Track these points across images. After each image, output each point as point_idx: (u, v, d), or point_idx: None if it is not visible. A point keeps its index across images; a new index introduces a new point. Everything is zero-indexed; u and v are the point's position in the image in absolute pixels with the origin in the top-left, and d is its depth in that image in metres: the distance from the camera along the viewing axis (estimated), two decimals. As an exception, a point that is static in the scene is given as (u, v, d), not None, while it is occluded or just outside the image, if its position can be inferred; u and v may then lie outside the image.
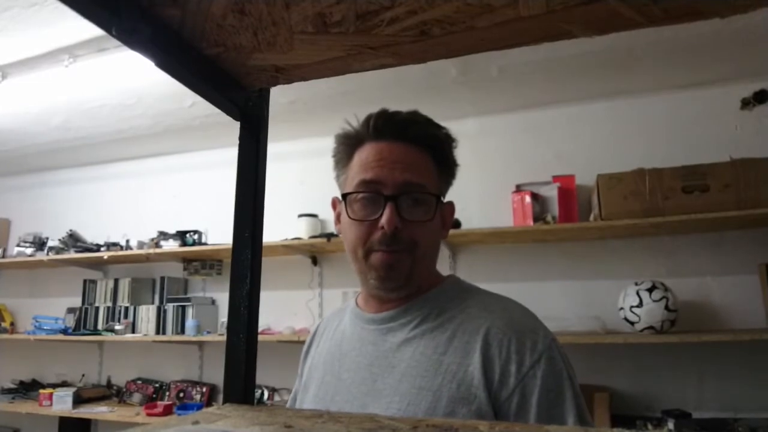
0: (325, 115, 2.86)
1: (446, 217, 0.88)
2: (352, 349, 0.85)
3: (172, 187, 3.53)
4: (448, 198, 0.88)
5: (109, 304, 3.35)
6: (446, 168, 0.85)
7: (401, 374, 0.76)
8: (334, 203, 0.91)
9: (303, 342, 0.98)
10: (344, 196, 0.82)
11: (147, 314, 3.20)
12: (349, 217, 0.81)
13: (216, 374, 3.16)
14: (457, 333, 0.77)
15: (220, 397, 3.12)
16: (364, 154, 0.82)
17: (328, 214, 3.03)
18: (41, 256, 3.42)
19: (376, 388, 0.77)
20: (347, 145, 0.85)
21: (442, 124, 0.85)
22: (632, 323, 2.24)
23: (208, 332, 3.04)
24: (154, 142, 3.34)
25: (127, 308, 3.28)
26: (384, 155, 0.80)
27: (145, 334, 3.14)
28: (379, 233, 0.78)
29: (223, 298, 3.24)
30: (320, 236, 2.81)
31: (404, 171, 0.79)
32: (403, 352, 0.78)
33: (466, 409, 0.70)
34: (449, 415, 0.70)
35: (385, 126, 0.81)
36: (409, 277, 0.81)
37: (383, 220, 0.77)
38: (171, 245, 3.13)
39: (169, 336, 3.08)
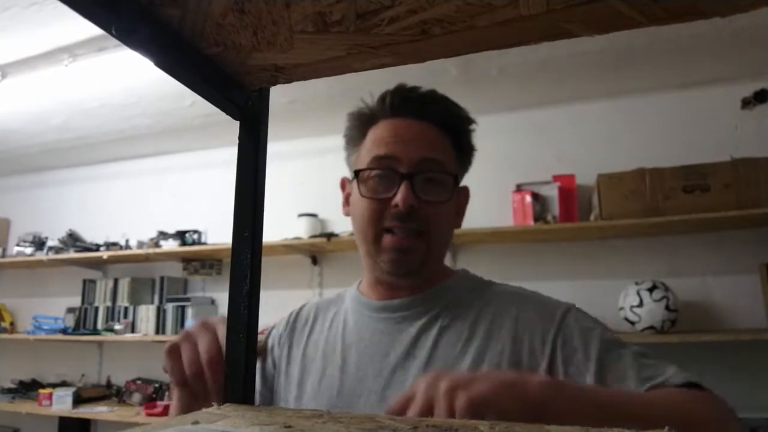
0: (325, 114, 2.86)
1: (461, 203, 0.84)
2: (358, 340, 0.78)
3: (172, 186, 3.53)
4: None
5: (109, 303, 3.35)
6: (463, 151, 0.82)
7: (423, 364, 0.72)
8: (343, 184, 0.86)
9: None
10: (356, 172, 0.77)
11: (146, 314, 3.20)
12: (361, 194, 0.76)
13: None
14: (479, 318, 0.74)
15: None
16: (378, 131, 0.78)
17: (328, 214, 3.03)
18: (41, 255, 3.42)
19: (396, 379, 0.72)
20: (360, 123, 0.81)
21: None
22: (633, 323, 2.24)
23: (208, 332, 3.04)
24: (153, 142, 3.34)
25: (126, 308, 3.28)
26: (400, 132, 0.76)
27: (145, 334, 3.14)
28: (392, 212, 0.74)
29: (222, 298, 3.24)
30: (320, 236, 2.81)
31: (422, 148, 0.75)
32: (424, 342, 0.74)
33: None
34: None
35: (402, 103, 0.78)
36: (423, 265, 0.76)
37: (398, 198, 0.73)
38: (170, 245, 3.13)
39: (169, 336, 3.07)
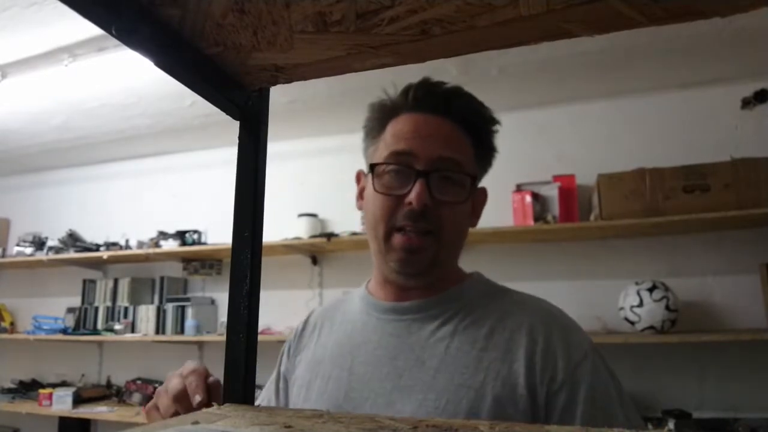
0: (325, 114, 2.87)
1: (477, 203, 0.81)
2: (367, 341, 0.76)
3: (172, 186, 3.53)
4: None
5: (109, 303, 3.35)
6: (484, 152, 0.79)
7: (434, 370, 0.69)
8: (359, 177, 0.84)
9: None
10: (372, 166, 0.75)
11: (146, 314, 3.20)
12: (375, 189, 0.74)
13: (215, 374, 3.16)
14: (495, 329, 0.71)
15: (220, 397, 3.12)
16: (398, 125, 0.76)
17: (328, 214, 3.04)
18: (41, 255, 3.42)
19: (404, 384, 0.70)
20: (381, 115, 0.78)
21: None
22: (633, 323, 2.24)
23: (208, 332, 3.04)
24: (154, 142, 3.34)
25: (126, 308, 3.28)
26: (420, 127, 0.74)
27: (145, 334, 3.14)
28: (405, 210, 0.71)
29: (222, 298, 3.24)
30: (320, 236, 2.81)
31: (440, 146, 0.73)
32: (435, 347, 0.71)
33: (513, 409, 0.65)
34: (494, 414, 0.65)
35: (426, 97, 0.75)
36: (432, 265, 0.74)
37: (411, 196, 0.70)
38: (170, 245, 3.13)
39: (169, 336, 3.08)
